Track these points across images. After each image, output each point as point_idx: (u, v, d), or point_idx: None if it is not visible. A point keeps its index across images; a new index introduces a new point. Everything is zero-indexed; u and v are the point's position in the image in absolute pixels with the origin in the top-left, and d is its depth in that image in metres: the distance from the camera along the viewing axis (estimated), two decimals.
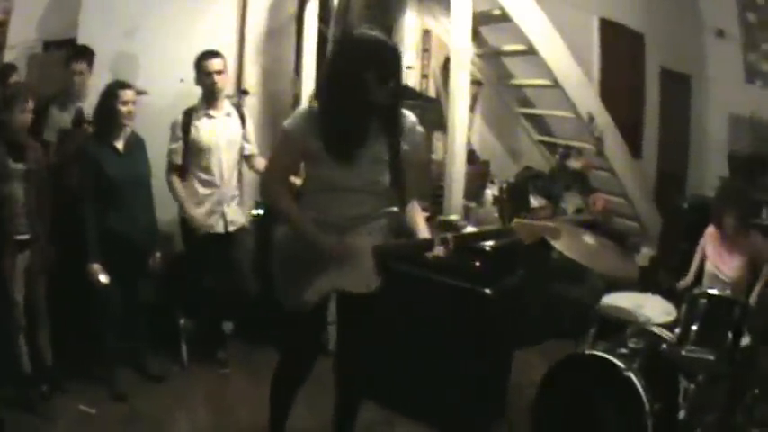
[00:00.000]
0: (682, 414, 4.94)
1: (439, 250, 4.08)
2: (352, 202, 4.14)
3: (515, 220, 4.32)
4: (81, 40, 6.78)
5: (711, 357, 4.89)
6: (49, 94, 6.57)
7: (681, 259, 6.85)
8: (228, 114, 6.52)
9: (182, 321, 6.79)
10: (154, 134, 6.33)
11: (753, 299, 5.91)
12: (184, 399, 6.18)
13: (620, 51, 10.76)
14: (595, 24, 10.38)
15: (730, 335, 4.96)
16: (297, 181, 4.88)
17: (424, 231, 4.33)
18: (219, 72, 6.36)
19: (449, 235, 4.16)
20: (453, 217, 6.48)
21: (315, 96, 5.03)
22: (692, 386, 5.05)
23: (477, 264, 5.56)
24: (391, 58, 3.97)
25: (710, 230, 6.52)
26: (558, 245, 4.78)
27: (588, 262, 5.03)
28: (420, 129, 4.32)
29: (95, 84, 6.37)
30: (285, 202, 4.22)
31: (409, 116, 4.25)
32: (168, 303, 6.81)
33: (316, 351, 4.56)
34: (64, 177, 6.11)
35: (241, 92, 7.37)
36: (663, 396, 4.88)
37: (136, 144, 6.09)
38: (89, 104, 6.37)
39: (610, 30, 10.48)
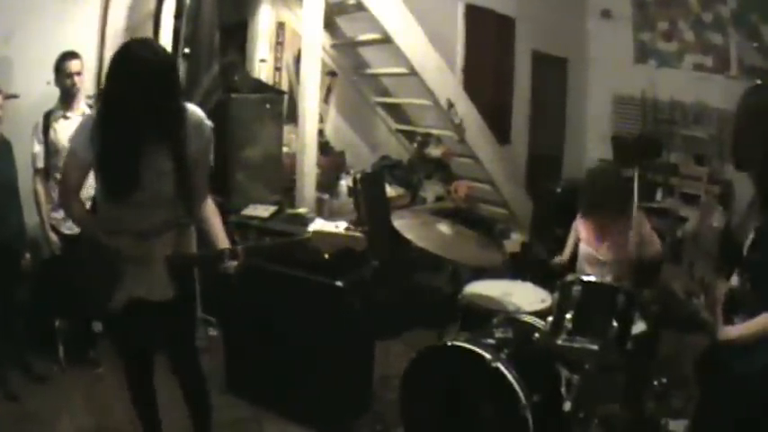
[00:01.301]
0: (567, 406, 4.63)
1: (230, 264, 4.02)
2: (141, 214, 3.97)
3: (313, 230, 4.20)
4: None
5: (595, 347, 4.52)
6: None
7: (553, 244, 6.54)
8: (84, 114, 6.14)
9: (57, 323, 6.54)
10: (22, 137, 6.16)
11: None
12: (67, 398, 6.00)
13: (487, 36, 10.57)
14: (460, 10, 10.17)
15: (615, 323, 4.58)
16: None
17: (220, 240, 4.23)
18: (78, 73, 6.21)
19: (239, 248, 4.09)
20: (302, 210, 6.36)
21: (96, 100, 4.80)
22: (576, 377, 4.75)
23: (327, 256, 5.24)
24: (138, 67, 3.70)
25: (580, 218, 6.21)
26: (409, 235, 4.74)
27: (443, 251, 4.88)
28: (208, 123, 4.11)
29: None
30: (79, 215, 4.19)
31: (196, 111, 4.07)
32: (43, 305, 6.52)
33: (142, 346, 4.48)
34: None
35: (100, 92, 6.99)
36: (541, 387, 4.55)
37: (3, 147, 5.95)
38: None
39: (477, 15, 10.28)
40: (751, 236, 3.38)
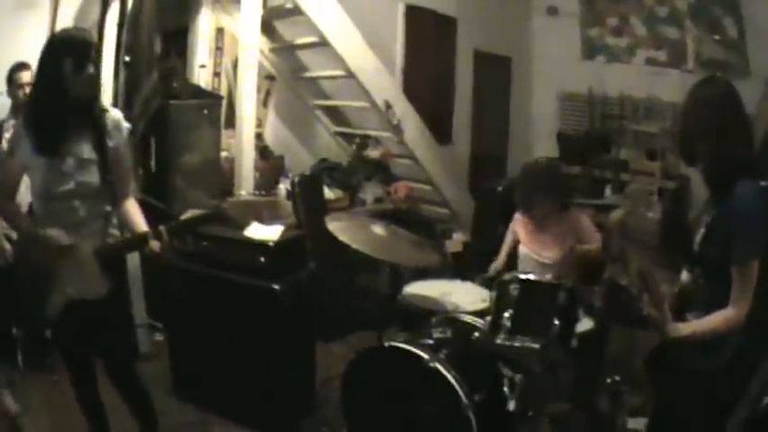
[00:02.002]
0: (512, 405, 4.59)
1: (154, 244, 4.05)
2: (67, 208, 4.10)
3: (228, 199, 4.40)
4: None
5: (536, 346, 4.47)
6: None
7: (496, 244, 6.52)
8: None
9: (14, 330, 6.48)
10: None
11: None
12: (26, 404, 5.81)
13: (427, 37, 10.58)
14: (401, 11, 10.15)
15: (557, 321, 4.55)
16: None
17: (142, 226, 4.28)
18: (29, 84, 6.12)
19: (161, 227, 4.10)
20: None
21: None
22: (519, 376, 4.69)
23: (262, 259, 5.43)
24: (83, 47, 3.99)
25: (519, 215, 6.17)
26: (344, 237, 4.73)
27: (377, 253, 4.86)
28: (125, 124, 4.27)
29: None
30: (12, 213, 4.29)
31: (114, 112, 4.25)
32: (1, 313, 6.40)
33: (84, 353, 4.50)
34: None
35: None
36: (483, 387, 4.53)
37: None
38: None
39: (417, 16, 10.28)
40: (702, 230, 3.37)
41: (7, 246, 6.12)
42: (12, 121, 6.14)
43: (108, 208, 4.25)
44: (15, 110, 6.23)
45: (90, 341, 4.40)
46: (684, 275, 3.49)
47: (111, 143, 4.12)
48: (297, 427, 5.57)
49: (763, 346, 3.15)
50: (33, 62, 6.04)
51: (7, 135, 6.05)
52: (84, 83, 3.95)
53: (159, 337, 6.72)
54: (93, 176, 4.08)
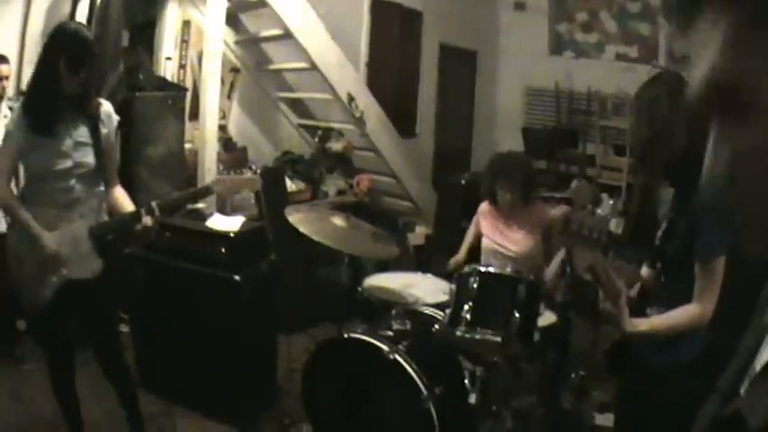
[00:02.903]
0: (473, 398, 4.59)
1: (146, 219, 4.22)
2: (64, 187, 4.23)
3: (215, 178, 4.50)
4: None
5: (497, 339, 4.43)
6: None
7: (458, 237, 6.54)
8: (6, 116, 6.27)
9: None
10: None
11: (549, 274, 5.62)
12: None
13: (392, 31, 10.64)
14: (366, 4, 10.23)
15: (517, 314, 4.51)
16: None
17: (131, 207, 4.47)
18: (7, 77, 6.39)
19: (153, 203, 4.28)
20: (201, 205, 6.28)
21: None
22: (480, 369, 4.69)
23: (223, 250, 5.44)
24: (81, 49, 4.12)
25: (484, 206, 6.19)
26: (303, 228, 4.73)
27: (337, 244, 4.85)
28: (116, 117, 4.48)
29: None
30: (12, 201, 4.29)
31: (105, 104, 4.44)
32: None
33: (68, 338, 4.57)
34: None
35: (20, 93, 6.96)
36: (444, 379, 4.52)
37: None
38: None
39: (382, 9, 10.35)
40: (663, 225, 3.38)
41: None
42: None
43: (101, 189, 4.41)
44: None
45: (81, 321, 4.52)
46: (645, 270, 3.50)
47: (104, 130, 4.32)
48: (258, 418, 5.58)
49: (734, 342, 3.13)
50: (8, 54, 6.38)
51: None
52: (77, 83, 4.10)
53: (124, 327, 6.73)
54: (89, 157, 4.25)
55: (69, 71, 4.05)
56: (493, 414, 4.76)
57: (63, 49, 4.06)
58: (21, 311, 6.52)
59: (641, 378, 3.50)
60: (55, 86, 4.09)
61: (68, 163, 4.20)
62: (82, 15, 7.26)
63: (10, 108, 6.32)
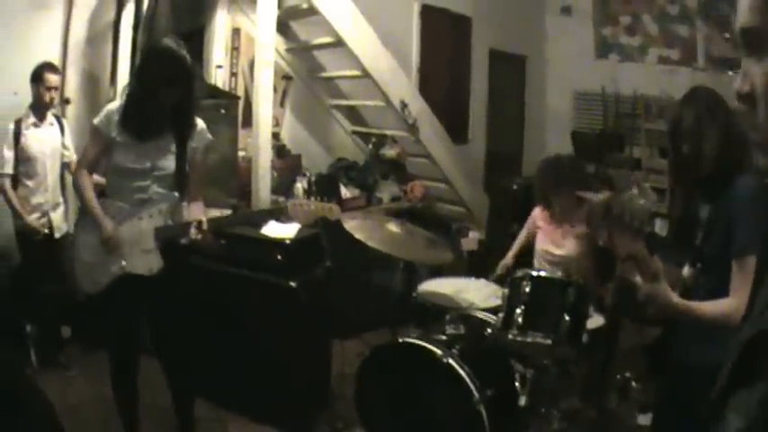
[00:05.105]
0: (523, 401, 4.62)
1: (193, 232, 4.40)
2: (139, 186, 4.43)
3: (290, 201, 4.54)
4: None
5: (547, 341, 4.50)
6: None
7: (510, 242, 6.55)
8: (51, 124, 6.50)
9: (28, 328, 6.56)
10: None
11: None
12: None
13: (443, 36, 10.63)
14: (416, 11, 10.19)
15: (567, 317, 4.56)
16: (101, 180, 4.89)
17: (197, 216, 4.57)
18: (56, 88, 6.38)
19: (202, 218, 4.47)
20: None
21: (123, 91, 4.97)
22: (531, 372, 4.72)
23: (279, 257, 5.50)
24: (177, 66, 4.30)
25: (537, 211, 6.21)
26: (359, 235, 4.78)
27: (393, 250, 4.92)
28: (208, 135, 4.67)
29: None
30: (86, 186, 4.47)
31: (200, 122, 4.62)
32: (13, 311, 6.56)
33: (128, 334, 4.65)
34: None
35: (63, 101, 7.02)
36: (495, 382, 4.55)
37: None
38: None
39: (432, 15, 10.32)
40: (703, 226, 3.41)
41: (40, 221, 6.34)
42: (31, 119, 6.25)
43: (176, 195, 4.57)
44: (38, 108, 6.30)
45: (141, 319, 4.62)
46: (686, 270, 3.52)
47: (192, 144, 4.53)
48: (311, 422, 5.60)
49: None
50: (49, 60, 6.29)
51: (27, 132, 6.21)
52: (174, 96, 4.31)
53: None
54: (169, 163, 4.45)
55: (167, 87, 4.23)
56: (541, 416, 4.78)
57: (161, 66, 4.26)
58: (66, 318, 6.69)
59: (676, 376, 3.54)
60: (151, 99, 4.27)
61: (146, 164, 4.38)
62: (127, 23, 7.32)
63: (56, 116, 6.49)
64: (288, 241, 5.54)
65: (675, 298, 3.10)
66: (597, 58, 11.68)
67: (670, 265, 3.53)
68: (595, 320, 4.94)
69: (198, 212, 4.59)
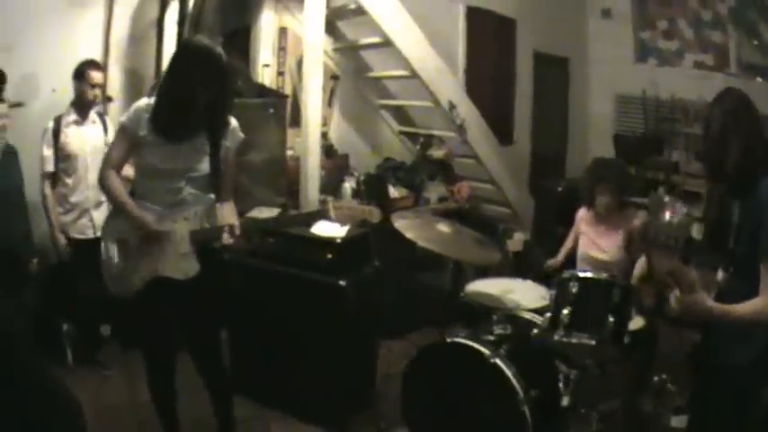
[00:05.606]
0: (565, 401, 4.70)
1: (225, 237, 4.31)
2: (173, 188, 4.31)
3: (330, 202, 4.42)
4: None
5: (592, 342, 4.57)
6: None
7: (556, 243, 6.58)
8: (94, 122, 6.46)
9: (65, 327, 6.60)
10: (30, 144, 6.24)
11: (633, 279, 5.65)
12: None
13: (488, 38, 10.64)
14: (461, 12, 10.22)
15: (611, 318, 4.63)
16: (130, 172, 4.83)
17: (230, 219, 4.49)
18: (100, 85, 6.39)
19: (235, 222, 4.37)
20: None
21: (152, 90, 4.93)
22: (575, 372, 4.81)
23: (330, 256, 5.49)
24: (214, 65, 4.17)
25: (582, 212, 6.28)
26: (410, 234, 4.82)
27: (443, 250, 4.95)
28: (240, 134, 4.53)
29: None
30: (115, 185, 4.34)
31: (232, 120, 4.48)
32: (50, 309, 6.61)
33: (163, 336, 4.60)
34: None
35: (106, 99, 7.07)
36: (540, 383, 4.60)
37: (10, 155, 6.03)
38: None
39: (477, 17, 10.33)
40: (735, 229, 3.45)
41: (63, 241, 6.30)
42: (72, 117, 6.26)
43: (211, 196, 4.47)
44: (80, 106, 6.31)
45: (177, 322, 4.53)
46: (720, 274, 3.56)
47: (225, 143, 4.39)
48: (355, 422, 5.64)
49: None
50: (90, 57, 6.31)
51: (67, 130, 6.23)
52: (209, 97, 4.16)
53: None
54: (203, 164, 4.32)
55: (202, 86, 4.10)
56: (580, 417, 4.83)
57: (196, 64, 4.12)
58: (105, 317, 6.70)
59: (713, 374, 3.61)
60: (186, 99, 4.14)
61: (179, 165, 4.27)
62: (172, 19, 7.35)
63: (99, 114, 6.48)
64: (338, 240, 5.52)
65: (711, 303, 3.15)
66: (637, 61, 11.65)
67: (706, 269, 3.57)
68: (636, 322, 5.00)
69: (230, 215, 4.53)
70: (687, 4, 10.66)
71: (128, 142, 4.31)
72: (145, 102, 4.35)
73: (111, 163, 4.36)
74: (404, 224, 5.00)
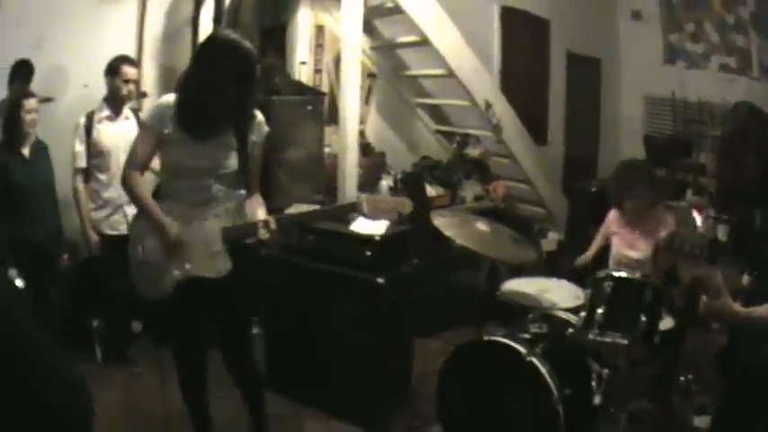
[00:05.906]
0: (597, 400, 4.70)
1: (262, 233, 4.20)
2: (201, 185, 4.24)
3: (362, 195, 4.41)
4: None
5: (625, 342, 4.61)
6: None
7: (588, 243, 6.62)
8: (127, 118, 6.47)
9: (94, 323, 6.62)
10: (60, 139, 6.33)
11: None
12: (104, 396, 5.75)
13: (522, 38, 10.66)
14: (496, 12, 10.23)
15: (644, 318, 4.68)
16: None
17: (261, 215, 4.42)
18: (134, 81, 6.42)
19: (270, 217, 4.27)
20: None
21: (176, 86, 4.91)
22: (607, 371, 4.81)
23: (369, 253, 5.52)
24: (243, 59, 4.09)
25: (613, 213, 6.30)
26: (449, 232, 4.87)
27: (481, 248, 5.00)
28: (266, 127, 4.47)
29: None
30: (140, 187, 4.31)
31: (258, 114, 4.41)
32: (80, 305, 6.64)
33: (195, 336, 4.57)
34: None
35: (140, 94, 7.14)
36: (573, 382, 4.66)
37: (41, 150, 6.12)
38: None
39: (512, 17, 10.35)
40: (757, 233, 3.50)
41: (95, 238, 6.35)
42: (105, 112, 6.30)
43: (242, 192, 4.40)
44: (113, 102, 6.34)
45: (208, 321, 4.48)
46: (746, 278, 3.61)
47: (252, 137, 4.31)
48: (389, 420, 5.66)
49: None
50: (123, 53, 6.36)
51: (100, 126, 6.27)
52: (238, 90, 4.09)
53: (255, 329, 6.82)
54: (232, 160, 4.25)
55: (230, 81, 4.01)
56: (610, 416, 4.87)
57: (225, 58, 4.02)
58: (137, 313, 6.71)
59: (741, 377, 3.62)
60: (212, 93, 4.06)
61: (207, 163, 4.20)
62: (207, 16, 7.39)
63: (133, 110, 6.52)
64: (378, 238, 5.52)
65: (737, 307, 3.22)
66: (665, 63, 11.63)
67: (734, 270, 3.63)
68: (666, 322, 5.05)
69: (261, 210, 4.44)
70: (712, 8, 10.61)
71: (152, 141, 4.25)
72: (167, 98, 4.30)
73: (134, 164, 4.31)
74: (443, 222, 5.07)
